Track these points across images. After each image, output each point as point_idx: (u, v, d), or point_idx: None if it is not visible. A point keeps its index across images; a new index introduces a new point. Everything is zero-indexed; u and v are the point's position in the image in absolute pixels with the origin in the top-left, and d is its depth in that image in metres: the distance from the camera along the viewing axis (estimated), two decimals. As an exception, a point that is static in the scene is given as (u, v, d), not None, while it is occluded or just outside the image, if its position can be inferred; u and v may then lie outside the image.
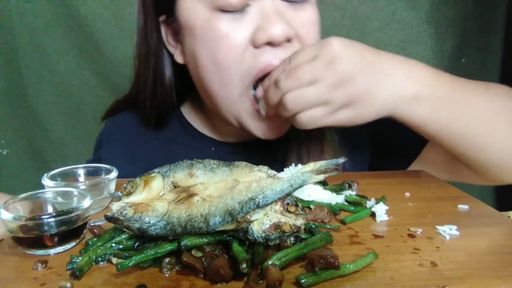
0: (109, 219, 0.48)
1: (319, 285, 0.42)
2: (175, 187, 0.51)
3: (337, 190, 0.67)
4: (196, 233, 0.46)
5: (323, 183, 0.70)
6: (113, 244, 0.49)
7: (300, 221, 0.47)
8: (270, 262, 0.43)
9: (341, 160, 0.51)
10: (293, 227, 0.46)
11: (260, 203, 0.46)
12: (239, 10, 0.62)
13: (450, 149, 0.69)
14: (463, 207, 0.63)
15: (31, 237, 0.49)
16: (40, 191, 0.57)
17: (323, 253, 0.44)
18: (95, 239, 0.51)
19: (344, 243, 0.52)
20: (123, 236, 0.50)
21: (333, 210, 0.60)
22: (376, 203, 0.62)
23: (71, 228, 0.50)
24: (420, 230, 0.55)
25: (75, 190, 0.57)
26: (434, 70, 0.64)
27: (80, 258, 0.46)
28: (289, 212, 0.47)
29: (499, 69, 1.56)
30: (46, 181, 0.61)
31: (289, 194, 0.48)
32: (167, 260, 0.46)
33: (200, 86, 0.74)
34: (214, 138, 0.84)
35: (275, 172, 0.52)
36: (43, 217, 0.48)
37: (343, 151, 0.80)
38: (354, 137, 0.82)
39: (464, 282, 0.43)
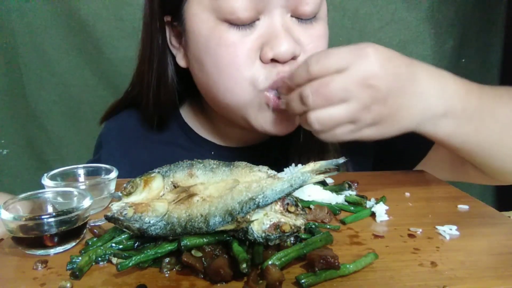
0: (109, 219, 0.48)
1: (319, 285, 0.42)
2: (175, 187, 0.51)
3: (337, 190, 0.67)
4: (196, 233, 0.46)
5: (323, 183, 0.70)
6: (113, 244, 0.49)
7: (300, 221, 0.47)
8: (270, 262, 0.43)
9: (341, 160, 0.51)
10: (293, 227, 0.46)
11: (260, 203, 0.46)
12: (246, 24, 0.61)
13: (470, 158, 0.67)
14: (463, 207, 0.63)
15: (31, 237, 0.49)
16: (40, 191, 0.57)
17: (323, 253, 0.44)
18: (95, 239, 0.51)
19: (344, 243, 0.52)
20: (123, 236, 0.50)
21: (333, 210, 0.60)
22: (376, 203, 0.62)
23: (71, 228, 0.50)
24: (420, 230, 0.55)
25: (75, 190, 0.57)
26: (463, 82, 0.61)
27: (80, 258, 0.46)
28: (289, 212, 0.47)
29: (499, 69, 1.56)
30: (46, 181, 0.61)
31: (289, 194, 0.48)
32: (167, 260, 0.46)
33: (204, 90, 0.73)
34: (214, 142, 0.83)
35: (275, 172, 0.52)
36: (43, 217, 0.48)
37: (345, 155, 0.79)
38: (358, 141, 0.82)
39: (464, 282, 0.43)
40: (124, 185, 0.51)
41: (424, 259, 0.48)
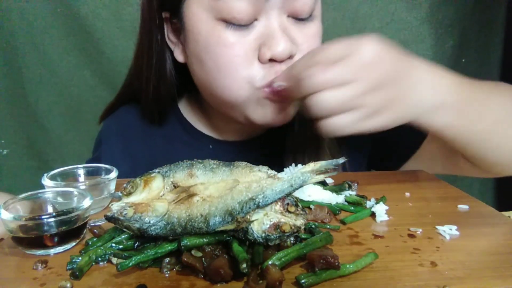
0: (109, 219, 0.48)
1: (319, 285, 0.42)
2: (175, 187, 0.51)
3: (337, 190, 0.67)
4: (196, 233, 0.46)
5: (323, 183, 0.70)
6: (113, 244, 0.49)
7: (300, 221, 0.47)
8: (270, 262, 0.43)
9: (341, 160, 0.51)
10: (293, 227, 0.46)
11: (260, 203, 0.46)
12: (245, 25, 0.62)
13: (464, 150, 0.67)
14: (463, 207, 0.63)
15: (31, 237, 0.49)
16: (40, 191, 0.57)
17: (323, 253, 0.44)
18: (95, 239, 0.51)
19: (344, 243, 0.52)
20: (123, 236, 0.50)
21: (333, 210, 0.60)
22: (376, 203, 0.62)
23: (71, 228, 0.50)
24: (420, 230, 0.55)
25: (75, 190, 0.57)
26: (457, 76, 0.62)
27: (80, 258, 0.46)
28: (289, 212, 0.47)
29: (499, 69, 1.56)
30: (46, 181, 0.61)
31: (289, 194, 0.48)
32: (167, 260, 0.46)
33: (202, 86, 0.74)
34: (212, 137, 0.84)
35: (275, 172, 0.52)
36: (43, 217, 0.48)
37: (341, 146, 0.79)
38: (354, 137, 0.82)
39: (464, 282, 0.43)
40: (124, 185, 0.51)
41: (424, 259, 0.48)
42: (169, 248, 0.46)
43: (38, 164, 1.53)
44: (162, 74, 0.76)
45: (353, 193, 0.67)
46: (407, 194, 0.69)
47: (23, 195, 0.55)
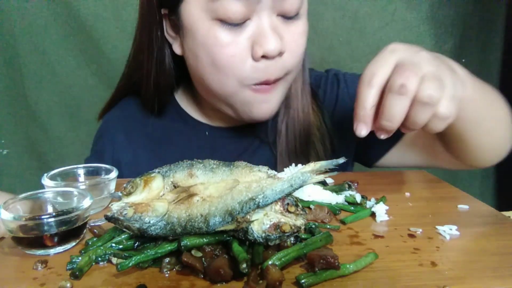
0: (109, 219, 0.48)
1: (319, 285, 0.42)
2: (175, 187, 0.51)
3: (337, 190, 0.67)
4: (196, 233, 0.46)
5: (323, 183, 0.70)
6: (113, 244, 0.49)
7: (300, 221, 0.47)
8: (270, 262, 0.43)
9: (341, 160, 0.51)
10: (293, 227, 0.46)
11: (260, 203, 0.46)
12: (239, 24, 0.66)
13: (455, 137, 0.68)
14: (463, 207, 0.63)
15: (31, 237, 0.49)
16: (40, 191, 0.57)
17: (323, 253, 0.44)
18: (95, 239, 0.51)
19: (344, 243, 0.52)
20: (123, 236, 0.50)
21: (333, 210, 0.60)
22: (376, 203, 0.62)
23: (71, 228, 0.50)
24: (420, 230, 0.55)
25: (75, 190, 0.57)
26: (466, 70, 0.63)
27: (80, 258, 0.46)
28: (289, 212, 0.47)
29: (499, 69, 1.56)
30: (46, 181, 0.61)
31: (289, 194, 0.48)
32: (167, 260, 0.46)
33: (197, 79, 0.78)
34: (207, 124, 0.89)
35: (275, 172, 0.52)
36: (43, 217, 0.48)
37: (330, 132, 0.84)
38: (343, 124, 0.84)
39: (464, 282, 0.43)
40: (124, 185, 0.51)
41: (424, 259, 0.48)
42: (169, 248, 0.46)
43: (38, 164, 1.53)
44: (162, 66, 0.80)
45: (353, 193, 0.67)
46: (407, 194, 0.69)
47: (23, 195, 0.55)
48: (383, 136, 0.56)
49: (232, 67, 0.69)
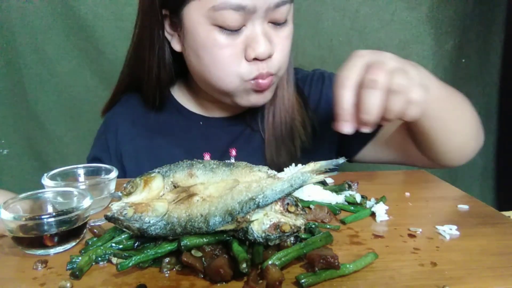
0: (109, 219, 0.48)
1: (319, 285, 0.42)
2: (175, 187, 0.51)
3: (337, 190, 0.67)
4: (196, 233, 0.46)
5: (323, 183, 0.70)
6: (113, 244, 0.49)
7: (300, 221, 0.47)
8: (270, 262, 0.43)
9: (341, 160, 0.51)
10: (293, 227, 0.46)
11: (260, 203, 0.46)
12: (235, 30, 0.74)
13: (425, 137, 0.74)
14: (463, 207, 0.63)
15: (31, 237, 0.49)
16: (40, 191, 0.57)
17: (323, 253, 0.44)
18: (95, 239, 0.51)
19: (344, 243, 0.52)
20: (123, 236, 0.50)
21: (333, 210, 0.60)
22: (376, 203, 0.62)
23: (71, 228, 0.50)
24: (420, 230, 0.55)
25: (75, 190, 0.57)
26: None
27: (80, 258, 0.46)
28: (289, 212, 0.47)
29: (499, 69, 1.56)
30: (46, 181, 0.61)
31: (289, 194, 0.48)
32: (167, 260, 0.46)
33: (198, 75, 0.84)
34: (202, 115, 0.95)
35: (275, 172, 0.52)
36: (43, 217, 0.48)
37: (311, 116, 0.92)
38: (327, 116, 0.90)
39: (464, 282, 0.43)
40: (124, 185, 0.51)
41: (424, 259, 0.48)
42: (169, 248, 0.46)
43: (38, 164, 1.53)
44: (163, 62, 0.85)
45: (353, 193, 0.67)
46: (407, 194, 0.69)
47: (23, 195, 0.55)
48: (366, 130, 0.62)
49: (229, 65, 0.77)
